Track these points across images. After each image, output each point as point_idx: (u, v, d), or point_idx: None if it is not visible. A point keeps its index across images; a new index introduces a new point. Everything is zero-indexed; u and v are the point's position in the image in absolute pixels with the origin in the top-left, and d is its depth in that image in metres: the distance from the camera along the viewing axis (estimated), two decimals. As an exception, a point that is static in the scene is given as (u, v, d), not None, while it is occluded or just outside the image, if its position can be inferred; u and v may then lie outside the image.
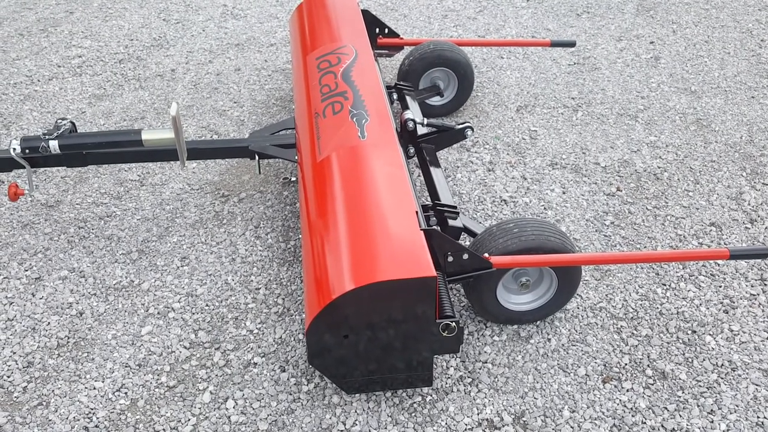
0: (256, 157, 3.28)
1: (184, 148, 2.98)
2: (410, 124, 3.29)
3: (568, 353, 2.75)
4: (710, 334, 2.83)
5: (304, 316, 2.90)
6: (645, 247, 3.28)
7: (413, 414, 2.51)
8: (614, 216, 3.47)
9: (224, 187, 3.67)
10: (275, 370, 2.67)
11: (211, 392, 2.58)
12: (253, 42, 5.22)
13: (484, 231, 2.72)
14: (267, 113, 4.32)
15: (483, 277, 2.60)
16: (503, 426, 2.48)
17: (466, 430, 2.47)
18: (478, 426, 2.48)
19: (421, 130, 3.36)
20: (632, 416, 2.51)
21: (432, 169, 3.23)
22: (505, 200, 3.56)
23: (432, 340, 2.38)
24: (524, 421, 2.49)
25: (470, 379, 2.64)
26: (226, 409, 2.53)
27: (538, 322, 2.86)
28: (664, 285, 3.07)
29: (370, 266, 2.26)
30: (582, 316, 2.91)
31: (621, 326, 2.87)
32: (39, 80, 4.74)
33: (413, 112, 3.48)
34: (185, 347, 2.76)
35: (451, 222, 2.88)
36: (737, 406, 2.54)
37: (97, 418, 2.50)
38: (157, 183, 3.70)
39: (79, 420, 2.49)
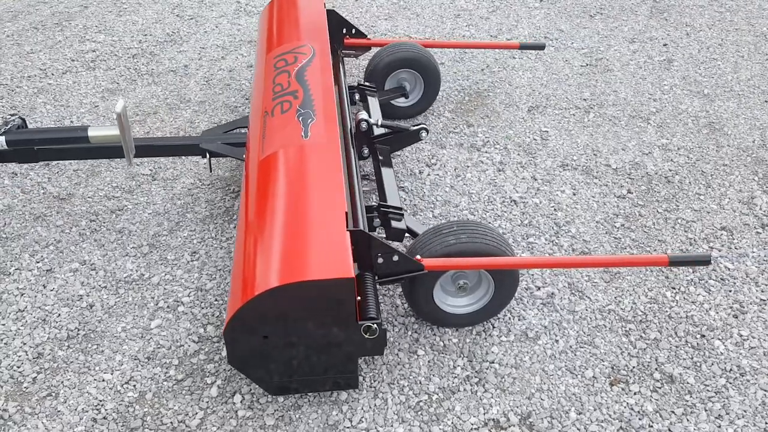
0: (207, 156, 3.28)
1: (131, 146, 2.94)
2: (363, 125, 3.28)
3: (575, 355, 2.74)
4: (719, 339, 2.82)
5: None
6: (655, 250, 3.27)
7: (419, 412, 2.52)
8: (624, 218, 3.46)
9: (235, 183, 3.68)
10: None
11: (218, 386, 2.60)
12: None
13: (423, 233, 2.70)
14: (278, 110, 4.32)
15: (419, 279, 2.58)
16: (509, 426, 2.48)
17: (472, 429, 2.47)
18: (484, 426, 2.48)
19: (379, 131, 3.36)
20: (639, 419, 2.50)
21: (383, 170, 3.23)
22: (515, 201, 3.56)
23: (354, 342, 2.33)
24: (530, 422, 2.49)
25: (477, 379, 2.64)
26: (234, 403, 2.54)
27: (547, 324, 2.86)
28: (674, 288, 3.05)
29: (286, 267, 2.23)
30: (590, 318, 2.90)
31: (629, 329, 2.86)
32: (53, 74, 4.77)
33: (373, 113, 3.50)
34: (194, 341, 2.78)
35: (394, 223, 2.88)
36: (745, 411, 2.53)
37: (106, 410, 2.51)
38: (169, 178, 3.71)
39: (87, 411, 2.51)
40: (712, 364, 2.71)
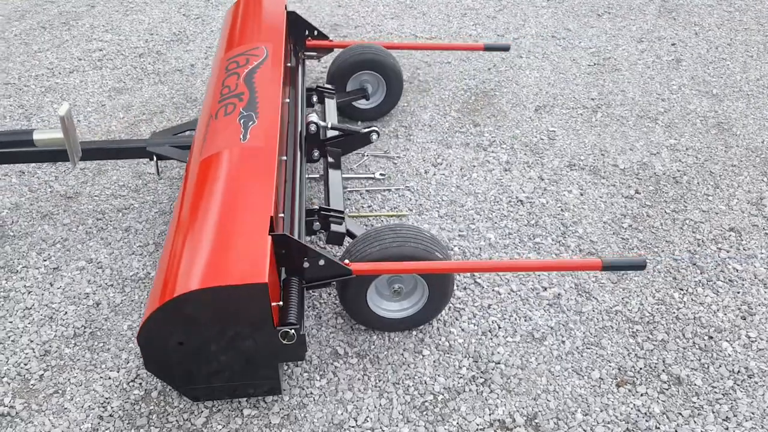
0: (155, 158, 3.25)
1: (77, 149, 2.90)
2: (312, 127, 3.27)
3: (582, 356, 2.73)
4: (727, 341, 2.80)
5: (318, 311, 2.91)
6: (663, 250, 3.25)
7: (425, 412, 2.51)
8: (632, 219, 3.45)
9: (241, 182, 3.68)
10: (288, 364, 2.68)
11: (224, 385, 2.60)
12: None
13: (358, 237, 2.66)
14: (285, 109, 4.33)
15: (351, 282, 2.55)
16: (515, 427, 2.47)
17: (477, 430, 2.46)
18: (489, 426, 2.47)
19: (331, 133, 3.37)
20: (646, 421, 2.49)
21: (331, 173, 3.22)
22: (521, 201, 3.55)
23: (272, 348, 2.29)
24: (536, 423, 2.48)
25: (483, 380, 2.63)
26: (239, 402, 2.54)
27: (553, 324, 2.85)
28: (682, 290, 3.04)
29: (199, 272, 2.19)
30: (597, 319, 2.89)
31: (636, 330, 2.85)
32: (60, 73, 4.79)
33: (328, 115, 3.50)
34: (200, 340, 2.78)
35: (333, 227, 2.87)
36: (753, 413, 2.52)
37: (112, 407, 2.52)
38: (175, 177, 3.72)
39: (93, 409, 2.51)
40: (720, 366, 2.69)
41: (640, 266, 2.58)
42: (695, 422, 2.48)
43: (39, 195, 3.58)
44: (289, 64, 3.65)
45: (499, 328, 2.84)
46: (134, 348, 2.74)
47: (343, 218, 2.92)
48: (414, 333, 2.81)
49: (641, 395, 2.58)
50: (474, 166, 3.81)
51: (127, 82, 4.65)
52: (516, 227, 3.38)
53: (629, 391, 2.60)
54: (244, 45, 3.43)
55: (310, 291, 2.94)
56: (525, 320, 2.88)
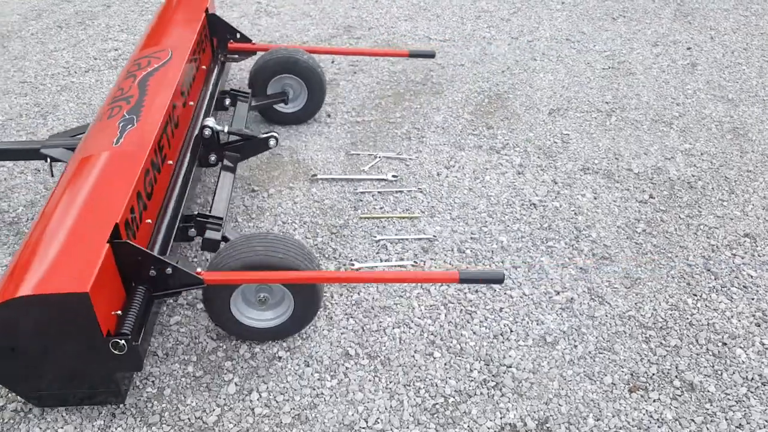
0: (48, 160, 3.23)
1: None
2: (206, 132, 3.24)
3: (594, 361, 2.72)
4: (741, 347, 2.78)
5: (329, 311, 2.91)
6: (677, 256, 3.23)
7: (435, 415, 2.51)
8: (646, 223, 3.43)
9: (254, 182, 3.69)
10: (300, 364, 2.68)
11: (236, 384, 2.60)
12: (286, 40, 5.25)
13: (225, 245, 2.62)
14: (298, 110, 4.34)
15: (212, 290, 2.54)
16: (526, 431, 2.46)
17: (488, 433, 2.46)
18: (500, 430, 2.46)
19: (231, 138, 3.35)
20: (658, 427, 2.47)
21: (221, 179, 3.21)
22: (534, 204, 3.54)
23: (104, 358, 2.23)
24: (548, 428, 2.47)
25: (494, 383, 2.63)
26: (251, 401, 2.54)
27: (565, 329, 2.84)
28: (695, 295, 3.02)
29: (28, 279, 2.14)
30: (610, 324, 2.88)
31: (649, 335, 2.83)
32: (76, 72, 4.82)
33: (236, 120, 3.52)
34: (212, 338, 2.79)
35: (208, 233, 2.85)
36: (767, 421, 2.49)
37: (124, 404, 2.53)
38: (189, 176, 3.73)
39: (106, 406, 2.52)
40: (734, 373, 2.67)
41: (497, 279, 2.55)
42: (708, 429, 2.47)
43: (47, 195, 3.60)
44: (204, 67, 3.66)
45: (511, 331, 2.84)
46: (148, 346, 2.75)
47: (220, 225, 2.89)
48: (424, 335, 2.81)
49: (654, 401, 2.57)
50: (487, 169, 3.81)
51: (142, 82, 4.67)
52: (529, 231, 3.37)
53: (642, 396, 2.59)
54: (152, 47, 3.43)
55: (166, 300, 2.87)
56: (537, 324, 2.87)
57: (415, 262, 3.16)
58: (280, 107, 4.10)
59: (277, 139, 3.41)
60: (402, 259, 3.18)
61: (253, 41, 4.19)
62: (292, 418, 2.49)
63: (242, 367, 2.67)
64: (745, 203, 3.57)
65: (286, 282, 2.56)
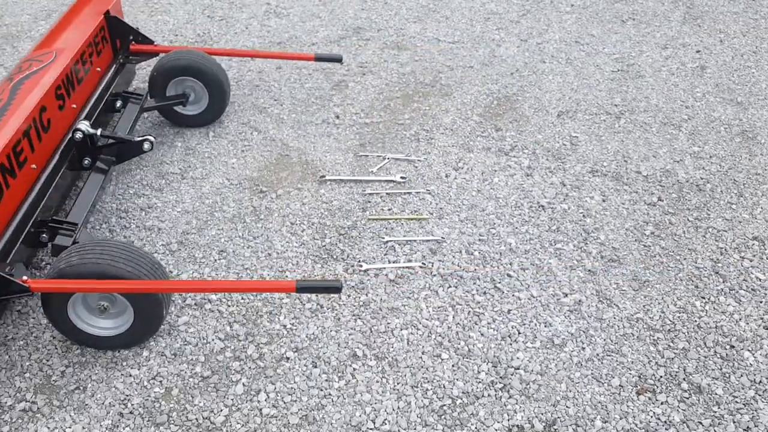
0: None
1: None
2: (77, 135, 3.21)
3: (602, 363, 2.72)
4: (749, 350, 2.77)
5: (336, 312, 2.92)
6: (685, 258, 3.22)
7: (442, 416, 2.51)
8: (654, 226, 3.42)
9: (262, 183, 3.70)
10: (307, 365, 2.69)
11: (244, 384, 2.61)
12: (295, 41, 5.26)
13: (63, 252, 2.60)
14: (306, 111, 4.35)
15: (49, 297, 2.53)
16: (534, 433, 2.46)
17: (496, 435, 2.46)
18: None
19: (104, 142, 3.34)
20: (666, 430, 2.47)
21: (88, 183, 3.20)
22: (542, 206, 3.54)
23: None
24: (555, 429, 2.47)
25: (501, 385, 2.63)
26: (258, 401, 2.55)
27: (573, 331, 2.84)
28: (704, 298, 3.01)
29: None
30: (618, 327, 2.87)
31: (657, 338, 2.83)
32: (86, 72, 4.84)
33: (122, 123, 3.52)
34: (220, 339, 2.80)
35: (58, 239, 2.84)
36: (775, 424, 2.49)
37: (132, 404, 2.54)
38: (198, 177, 3.75)
39: (114, 406, 2.54)
40: (741, 376, 2.66)
41: (335, 289, 2.53)
42: (716, 431, 2.46)
43: (64, 193, 3.63)
44: (98, 69, 3.68)
45: (519, 333, 2.84)
46: (155, 346, 2.77)
47: (73, 230, 2.88)
48: (433, 336, 2.81)
49: (661, 403, 2.56)
50: (495, 171, 3.81)
51: (151, 83, 4.69)
52: (537, 233, 3.37)
53: (649, 399, 2.58)
54: (41, 49, 3.43)
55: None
56: (545, 326, 2.87)
57: (423, 263, 3.17)
58: (180, 109, 4.08)
59: (152, 143, 3.38)
60: (410, 261, 3.18)
61: (156, 42, 4.16)
62: (299, 418, 2.50)
63: (250, 367, 2.68)
64: (754, 206, 3.56)
65: (108, 291, 2.54)
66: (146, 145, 3.38)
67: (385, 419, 2.50)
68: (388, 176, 3.74)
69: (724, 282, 3.09)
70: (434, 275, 3.11)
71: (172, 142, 4.03)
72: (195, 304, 2.96)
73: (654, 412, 2.53)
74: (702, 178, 3.77)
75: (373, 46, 5.19)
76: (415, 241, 3.30)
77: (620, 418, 2.51)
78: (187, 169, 3.80)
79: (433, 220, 3.44)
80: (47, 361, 2.71)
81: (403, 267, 3.15)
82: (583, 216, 3.48)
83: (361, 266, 3.15)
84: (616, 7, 5.81)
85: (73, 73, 3.36)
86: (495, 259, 3.20)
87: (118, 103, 3.78)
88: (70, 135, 3.23)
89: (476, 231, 3.37)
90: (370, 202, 3.57)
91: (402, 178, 3.72)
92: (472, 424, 2.48)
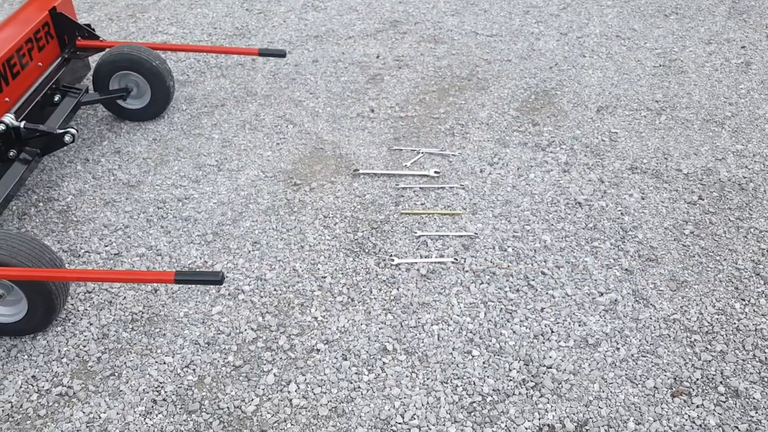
0: None
1: None
2: (1, 127, 3.25)
3: (637, 364, 2.67)
4: (791, 355, 2.70)
5: (367, 306, 2.91)
6: (725, 259, 3.15)
7: (472, 413, 2.49)
8: (694, 225, 3.35)
9: (296, 176, 3.72)
10: (337, 357, 2.70)
11: (275, 374, 2.63)
12: (332, 34, 5.26)
13: None
14: (341, 104, 4.35)
15: None
16: (565, 432, 2.43)
17: (526, 433, 2.43)
18: (539, 431, 2.44)
19: (28, 134, 3.37)
20: (701, 433, 2.42)
21: (7, 174, 3.24)
22: (579, 203, 3.49)
23: None
24: (587, 430, 2.44)
25: (533, 383, 2.60)
26: (289, 392, 2.57)
27: (608, 331, 2.79)
28: (743, 300, 2.94)
29: None
30: (654, 327, 2.82)
31: (694, 340, 2.77)
32: (127, 64, 4.91)
33: (56, 116, 3.55)
34: (252, 329, 2.82)
35: None
36: (816, 431, 2.42)
37: (165, 392, 2.58)
38: (234, 169, 3.78)
39: (148, 392, 2.58)
40: (783, 381, 2.60)
41: (215, 281, 2.48)
42: (754, 438, 2.40)
43: (102, 182, 3.69)
44: (40, 64, 3.73)
45: (552, 332, 2.80)
46: (189, 334, 2.80)
47: None
48: (464, 333, 2.79)
49: (697, 407, 2.51)
50: (531, 167, 3.76)
51: (190, 75, 4.75)
52: (573, 230, 3.32)
53: (684, 401, 2.53)
54: None
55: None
56: (579, 325, 2.83)
57: (455, 258, 3.15)
58: (122, 103, 4.14)
59: (73, 136, 3.43)
60: (442, 256, 3.17)
61: (102, 38, 4.20)
62: (329, 410, 2.51)
63: (281, 358, 2.70)
64: (800, 207, 3.46)
65: None
66: (67, 138, 3.44)
67: (414, 414, 2.49)
68: (422, 170, 3.73)
69: (765, 284, 3.01)
70: (466, 271, 3.09)
71: (209, 135, 4.07)
72: (228, 294, 2.99)
73: (689, 415, 2.48)
74: (744, 177, 3.67)
75: (410, 39, 5.17)
76: (447, 236, 3.28)
77: (654, 420, 2.46)
78: (223, 161, 3.84)
79: (467, 216, 3.42)
80: (84, 346, 2.77)
81: (435, 262, 3.14)
82: (621, 214, 3.42)
83: (392, 260, 3.14)
84: (659, 0, 5.69)
85: (6, 68, 3.44)
86: (529, 256, 3.17)
87: (57, 97, 3.84)
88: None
89: (510, 227, 3.34)
90: (403, 196, 3.55)
91: (436, 172, 3.70)
92: (502, 422, 2.46)
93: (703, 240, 3.26)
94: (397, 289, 3.00)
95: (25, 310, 2.71)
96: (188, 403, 2.54)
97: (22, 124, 3.38)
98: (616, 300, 2.94)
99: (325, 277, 3.07)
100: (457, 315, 2.87)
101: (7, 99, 3.42)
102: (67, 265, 3.14)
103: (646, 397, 2.54)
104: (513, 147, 3.92)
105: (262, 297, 2.97)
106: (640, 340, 2.76)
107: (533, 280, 3.04)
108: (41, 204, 3.52)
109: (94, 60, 4.49)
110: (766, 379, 2.60)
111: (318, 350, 2.73)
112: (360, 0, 5.82)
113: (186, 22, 5.51)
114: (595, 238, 3.27)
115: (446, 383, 2.60)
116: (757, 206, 3.46)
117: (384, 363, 2.68)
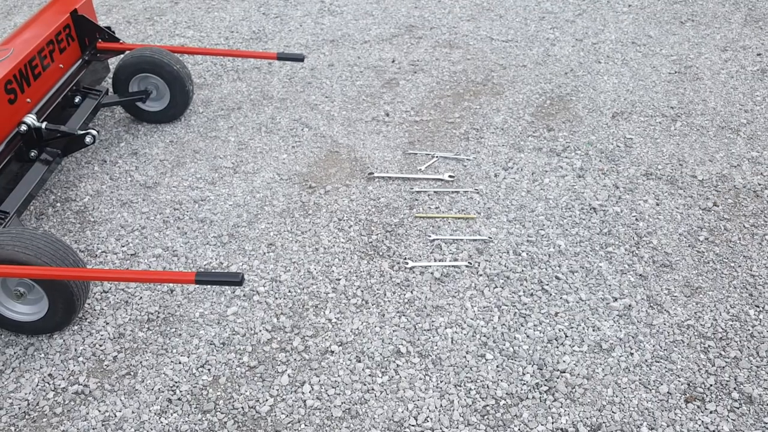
0: None
1: None
2: (22, 128, 3.31)
3: (650, 369, 2.67)
4: (806, 362, 2.69)
5: (381, 309, 2.93)
6: (740, 266, 3.14)
7: (485, 416, 2.50)
8: (709, 232, 3.34)
9: (312, 179, 3.74)
10: (351, 359, 2.71)
11: (289, 375, 2.65)
12: (348, 39, 5.29)
13: None
14: (357, 108, 4.37)
15: None
16: (578, 437, 2.43)
17: (539, 437, 2.43)
18: (551, 434, 2.44)
19: (50, 135, 3.42)
20: (715, 440, 2.41)
21: (28, 174, 3.28)
22: (594, 208, 3.49)
23: None
24: (600, 434, 2.44)
25: (546, 388, 2.60)
26: (303, 393, 2.58)
27: (622, 336, 2.79)
28: (758, 306, 2.93)
29: None
30: (668, 333, 2.82)
31: (708, 346, 2.76)
32: (144, 66, 4.96)
33: (76, 118, 3.57)
34: (267, 330, 2.84)
35: None
36: (832, 440, 2.40)
37: (181, 391, 2.60)
38: (249, 171, 3.81)
39: (163, 392, 2.60)
40: (798, 389, 2.58)
41: (235, 282, 2.51)
42: (768, 445, 2.39)
43: (119, 183, 3.73)
44: (61, 66, 3.78)
45: (566, 336, 2.80)
46: (205, 335, 2.83)
47: (3, 219, 2.96)
48: (477, 336, 2.80)
49: (710, 412, 2.50)
50: (546, 172, 3.77)
51: (207, 78, 4.79)
52: (588, 235, 3.32)
53: (698, 407, 2.52)
54: (2, 45, 3.52)
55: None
56: (593, 330, 2.83)
57: (469, 262, 3.16)
58: (142, 105, 4.17)
59: (94, 137, 3.47)
60: (456, 260, 3.18)
61: (123, 41, 4.24)
62: (342, 411, 2.52)
63: (295, 359, 2.72)
64: (816, 214, 3.44)
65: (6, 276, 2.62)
66: (88, 139, 3.48)
67: (428, 416, 2.50)
68: (437, 174, 3.74)
69: (781, 291, 3.00)
70: (480, 275, 3.10)
71: (225, 137, 4.11)
72: (244, 295, 3.01)
73: (702, 421, 2.47)
74: (760, 184, 3.66)
75: (425, 44, 5.19)
76: (461, 240, 3.29)
77: (667, 426, 2.46)
78: (239, 164, 3.87)
79: (481, 220, 3.43)
80: (100, 345, 2.80)
81: (449, 266, 3.15)
82: (636, 219, 3.42)
83: (406, 263, 3.16)
84: (674, 7, 5.68)
85: (28, 69, 3.48)
86: (543, 260, 3.17)
87: (77, 99, 3.89)
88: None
89: (525, 232, 3.34)
90: (417, 200, 3.57)
91: (450, 176, 3.71)
92: (515, 426, 2.47)
93: (717, 246, 3.25)
94: (411, 292, 3.02)
95: (45, 310, 2.74)
96: (203, 402, 2.56)
97: (43, 125, 3.43)
98: (630, 305, 2.94)
99: (339, 280, 3.09)
100: (471, 318, 2.88)
101: (28, 100, 3.47)
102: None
103: (660, 403, 2.54)
104: (528, 152, 3.93)
105: (276, 298, 3.00)
106: (653, 346, 2.76)
107: (547, 284, 3.04)
108: (59, 204, 3.57)
109: (112, 63, 4.54)
110: (781, 387, 2.59)
111: (332, 352, 2.75)
112: (376, 5, 5.85)
113: (203, 25, 5.56)
114: (609, 243, 3.27)
115: (460, 386, 2.61)
116: (772, 213, 3.45)
117: (398, 365, 2.69)
